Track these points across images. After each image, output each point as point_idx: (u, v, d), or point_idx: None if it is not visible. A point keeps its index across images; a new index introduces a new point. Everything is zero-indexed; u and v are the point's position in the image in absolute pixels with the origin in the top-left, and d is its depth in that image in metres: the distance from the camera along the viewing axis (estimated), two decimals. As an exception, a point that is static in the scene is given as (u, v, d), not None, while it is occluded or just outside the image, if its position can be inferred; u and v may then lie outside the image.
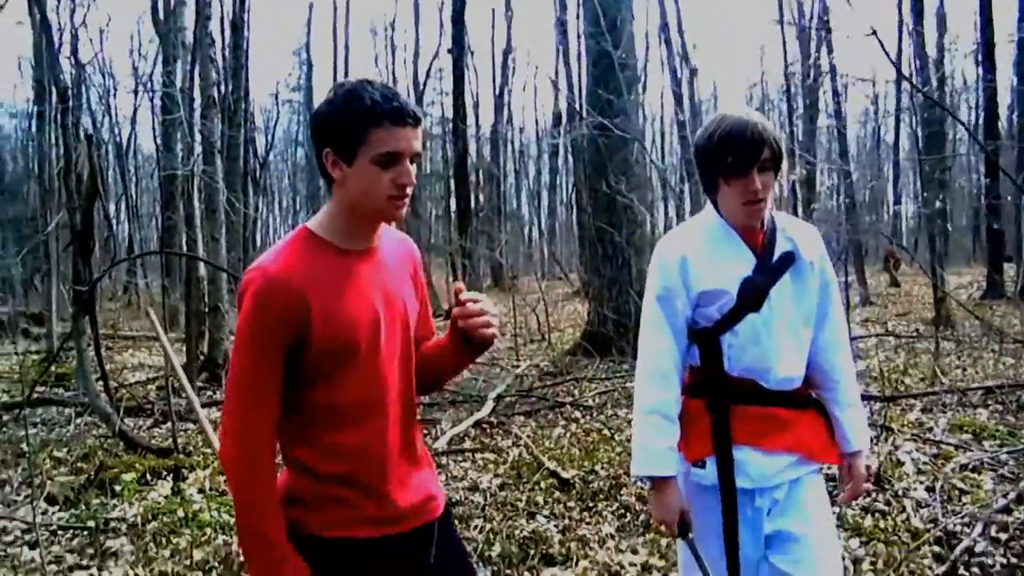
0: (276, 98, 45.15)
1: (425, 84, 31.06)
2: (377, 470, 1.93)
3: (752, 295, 2.29)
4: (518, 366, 10.70)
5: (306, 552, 1.86)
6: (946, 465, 5.59)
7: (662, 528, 3.04)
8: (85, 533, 4.80)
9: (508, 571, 4.16)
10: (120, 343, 16.14)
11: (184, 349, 11.03)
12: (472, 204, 23.17)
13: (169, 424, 7.08)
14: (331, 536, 1.89)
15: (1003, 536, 4.40)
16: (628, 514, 4.94)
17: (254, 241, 30.57)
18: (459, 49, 19.25)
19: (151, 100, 28.79)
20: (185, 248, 12.88)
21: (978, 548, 4.26)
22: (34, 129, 24.97)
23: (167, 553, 4.40)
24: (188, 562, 4.23)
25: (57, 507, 5.32)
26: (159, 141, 14.50)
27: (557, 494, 5.36)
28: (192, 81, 12.16)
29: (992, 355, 10.79)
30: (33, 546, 4.60)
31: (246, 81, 23.43)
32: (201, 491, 5.44)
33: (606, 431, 7.08)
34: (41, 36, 14.70)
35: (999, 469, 5.54)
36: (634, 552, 4.37)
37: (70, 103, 12.43)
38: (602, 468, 5.82)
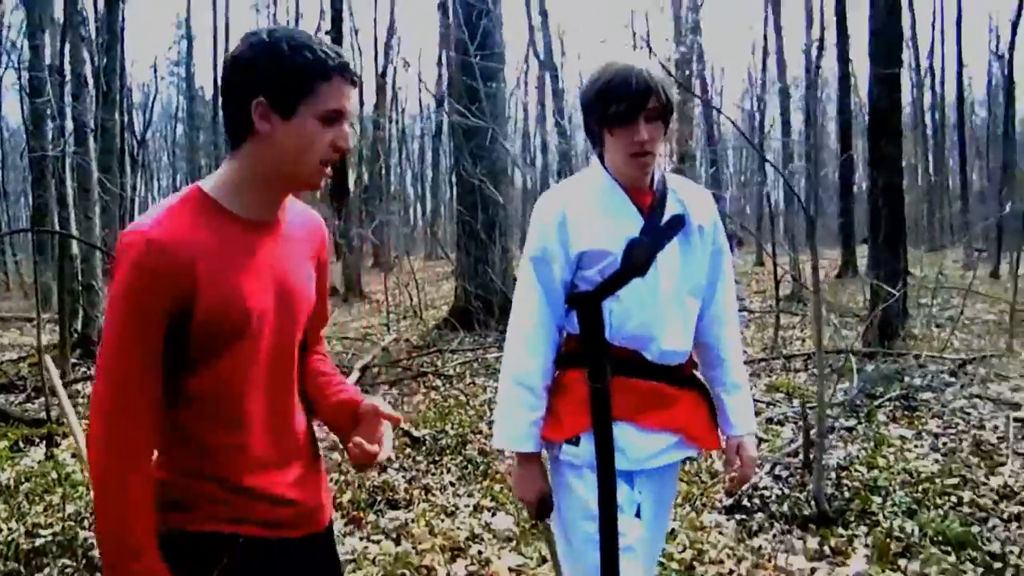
0: (155, 72, 44.02)
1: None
2: (261, 470, 1.73)
3: (638, 257, 2.14)
4: (389, 341, 11.21)
5: (180, 550, 1.65)
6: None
7: (521, 505, 2.68)
8: None
9: (356, 514, 4.69)
10: (-11, 323, 15.92)
11: (58, 327, 11.12)
12: (350, 183, 23.43)
13: (42, 399, 7.35)
14: (210, 530, 1.68)
15: (784, 474, 5.19)
16: (470, 466, 5.53)
17: (131, 219, 30.02)
18: (337, 32, 19.45)
19: (17, 74, 27.84)
20: (58, 227, 12.89)
21: (761, 484, 5.02)
22: None
23: (40, 508, 4.78)
24: (61, 515, 4.62)
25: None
26: (27, 122, 14.26)
27: (408, 451, 5.92)
28: (62, 59, 12.12)
29: (830, 328, 11.85)
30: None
31: (122, 56, 23.06)
32: (74, 455, 5.78)
33: (462, 397, 7.66)
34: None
35: (798, 422, 6.36)
36: (470, 496, 4.97)
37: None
38: (452, 428, 6.42)
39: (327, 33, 20.05)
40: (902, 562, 3.82)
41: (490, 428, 6.05)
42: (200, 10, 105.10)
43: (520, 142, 41.67)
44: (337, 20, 19.89)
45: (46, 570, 3.92)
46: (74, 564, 3.94)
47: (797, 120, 35.22)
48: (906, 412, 6.60)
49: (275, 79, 1.61)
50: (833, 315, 12.75)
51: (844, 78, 24.79)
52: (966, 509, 4.47)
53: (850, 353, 7.28)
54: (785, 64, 33.10)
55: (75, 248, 11.00)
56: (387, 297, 14.18)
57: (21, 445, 6.11)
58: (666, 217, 2.19)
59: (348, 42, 34.40)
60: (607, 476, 2.12)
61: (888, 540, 4.01)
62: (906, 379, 7.50)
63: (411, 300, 15.23)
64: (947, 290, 14.53)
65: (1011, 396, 6.99)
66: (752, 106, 40.21)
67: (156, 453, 1.69)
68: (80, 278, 11.12)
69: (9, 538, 4.22)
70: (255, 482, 1.72)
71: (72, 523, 4.48)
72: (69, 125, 10.83)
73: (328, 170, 1.73)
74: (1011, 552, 3.87)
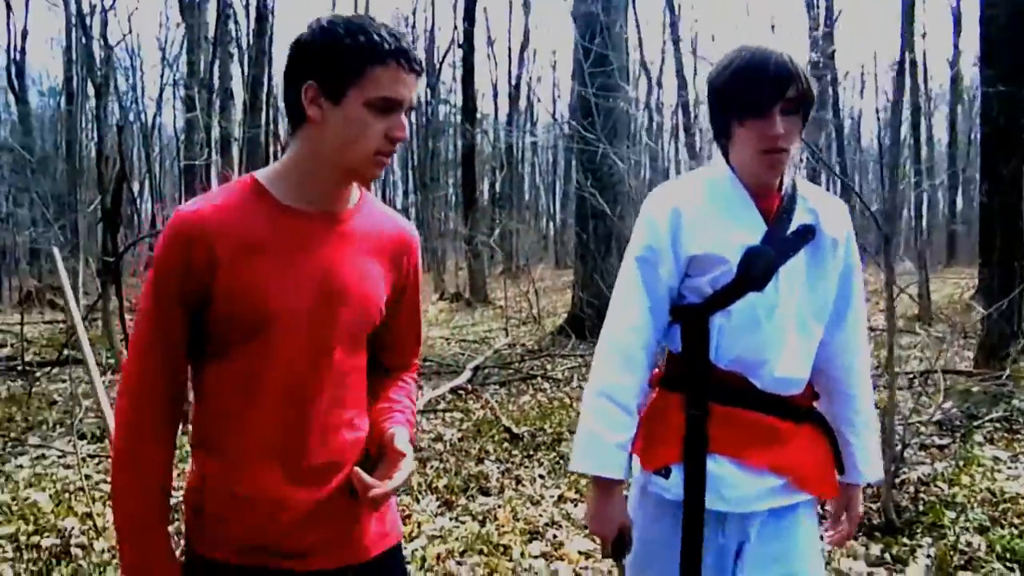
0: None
1: (439, 73, 32.01)
2: (254, 492, 1.58)
3: (757, 269, 1.87)
4: (503, 344, 11.66)
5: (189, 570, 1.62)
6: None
7: (595, 541, 2.12)
8: (109, 460, 5.81)
9: (450, 497, 5.10)
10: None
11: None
12: (478, 192, 24.12)
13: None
14: (216, 558, 1.61)
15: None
16: (561, 461, 5.87)
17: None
18: (469, 46, 20.11)
19: (174, 84, 29.84)
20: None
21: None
22: (63, 108, 26.07)
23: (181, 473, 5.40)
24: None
25: (85, 441, 6.35)
26: (179, 134, 15.50)
27: (506, 445, 6.32)
28: (211, 74, 13.11)
29: (949, 348, 11.62)
30: (67, 467, 5.62)
31: (270, 68, 24.41)
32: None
33: (567, 399, 8.00)
34: (74, 22, 15.71)
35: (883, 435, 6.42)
36: (556, 488, 5.32)
37: (102, 94, 13.44)
38: (550, 427, 6.76)
39: (459, 47, 20.80)
40: (962, 574, 3.95)
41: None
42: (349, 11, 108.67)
43: (647, 156, 41.67)
44: (469, 30, 20.55)
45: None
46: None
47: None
48: (1006, 434, 6.56)
49: (325, 61, 1.52)
50: (955, 335, 12.52)
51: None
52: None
53: (942, 372, 7.25)
54: (927, 77, 32.00)
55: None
56: (505, 303, 14.66)
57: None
58: (793, 226, 1.92)
59: (484, 52, 35.29)
60: (694, 516, 1.87)
61: (952, 552, 4.12)
62: (1014, 401, 7.41)
63: (531, 307, 15.73)
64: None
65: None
66: (880, 123, 39.01)
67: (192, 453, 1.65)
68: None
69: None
70: (237, 506, 1.59)
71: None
72: (217, 135, 11.73)
73: (385, 161, 1.60)
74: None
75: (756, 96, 1.84)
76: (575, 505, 4.94)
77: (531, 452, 6.12)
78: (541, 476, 5.58)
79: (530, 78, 38.07)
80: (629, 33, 11.97)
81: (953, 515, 4.65)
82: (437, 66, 31.64)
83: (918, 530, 4.47)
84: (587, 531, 4.44)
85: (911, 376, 8.73)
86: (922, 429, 6.51)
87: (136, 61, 38.28)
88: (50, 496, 4.97)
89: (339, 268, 1.62)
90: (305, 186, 1.61)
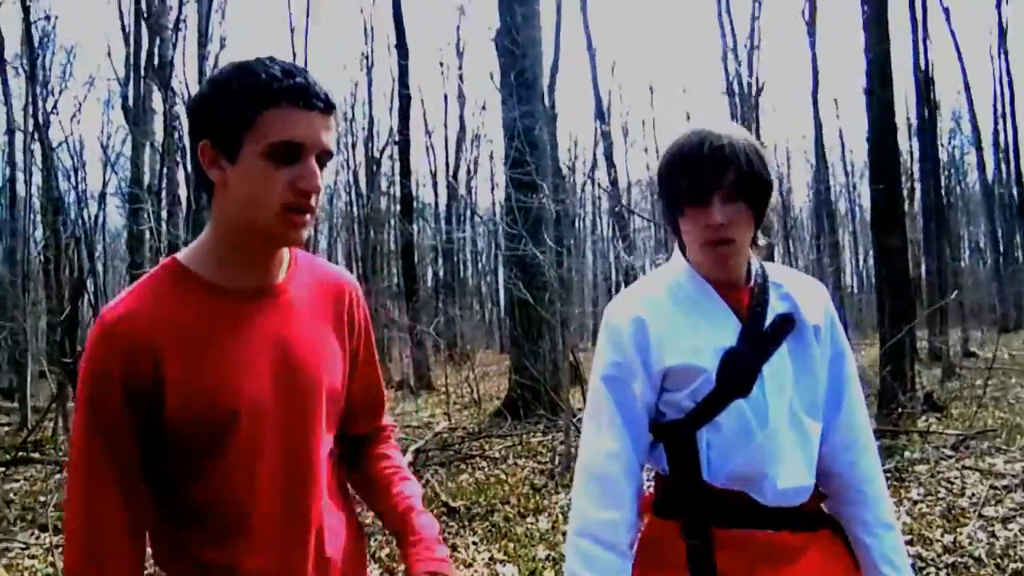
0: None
1: (379, 165, 32.93)
2: None
3: (737, 373, 1.70)
4: (444, 427, 12.23)
5: None
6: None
7: None
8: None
9: (391, 565, 5.65)
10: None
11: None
12: (419, 282, 24.83)
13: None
14: None
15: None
16: (493, 529, 6.45)
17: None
18: (404, 144, 21.03)
19: (119, 183, 30.34)
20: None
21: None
22: (4, 212, 26.42)
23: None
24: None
25: (48, 533, 6.77)
26: (125, 243, 15.98)
27: (444, 518, 6.87)
28: (160, 181, 13.68)
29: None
30: (32, 557, 6.05)
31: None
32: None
33: (502, 476, 8.58)
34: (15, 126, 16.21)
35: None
36: (488, 552, 5.89)
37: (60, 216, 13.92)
38: (485, 500, 7.34)
39: (395, 142, 21.61)
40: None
41: (519, 502, 7.03)
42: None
43: (577, 244, 43.02)
44: (404, 131, 21.44)
45: None
46: None
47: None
48: (895, 483, 7.29)
49: (214, 114, 1.36)
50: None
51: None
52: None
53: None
54: (845, 151, 33.70)
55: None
56: (447, 389, 15.28)
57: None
58: (769, 318, 1.75)
59: (424, 143, 36.43)
60: None
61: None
62: (906, 453, 8.18)
63: (472, 391, 16.33)
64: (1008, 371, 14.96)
65: (1002, 468, 7.62)
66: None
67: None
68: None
69: None
70: None
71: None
72: (164, 241, 12.31)
73: (301, 218, 1.39)
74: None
75: (690, 183, 1.68)
76: (504, 565, 5.51)
77: (466, 523, 6.69)
78: (475, 543, 6.15)
79: (468, 166, 39.20)
80: (558, 128, 12.89)
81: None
82: (377, 157, 32.57)
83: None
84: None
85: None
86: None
87: (78, 162, 38.55)
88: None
89: (294, 346, 1.47)
90: (230, 261, 1.44)
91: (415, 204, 26.01)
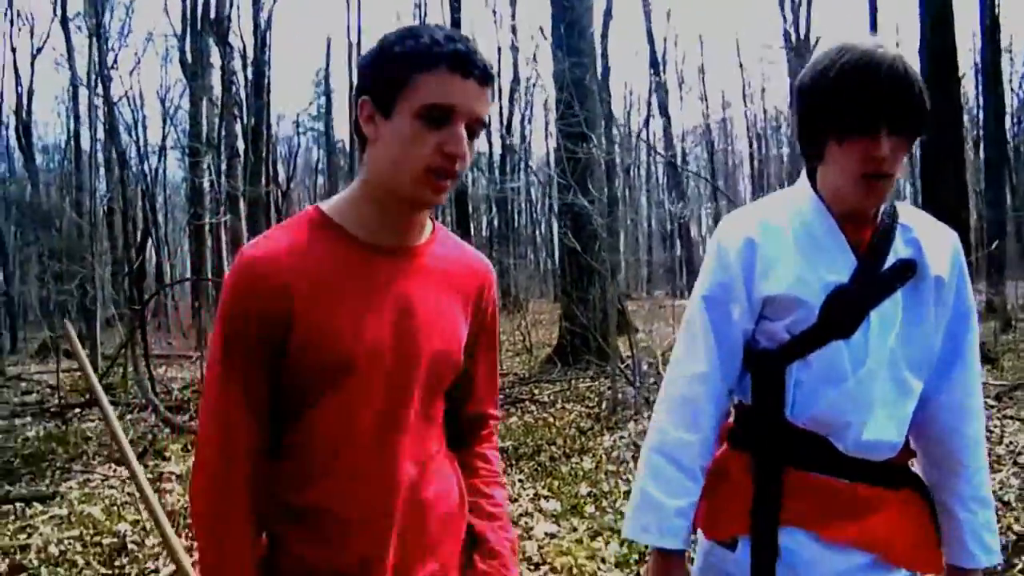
0: (297, 126, 46.96)
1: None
2: (368, 554, 1.48)
3: (842, 313, 1.61)
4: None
5: None
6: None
7: None
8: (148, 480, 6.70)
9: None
10: (154, 360, 18.10)
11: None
12: (472, 231, 25.09)
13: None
14: None
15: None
16: (539, 468, 6.75)
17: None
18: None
19: (178, 136, 30.99)
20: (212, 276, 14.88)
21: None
22: (68, 165, 27.20)
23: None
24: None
25: (122, 468, 7.24)
26: (183, 187, 16.57)
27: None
28: (219, 135, 14.05)
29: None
30: (111, 487, 6.52)
31: (268, 120, 25.49)
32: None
33: (550, 419, 8.88)
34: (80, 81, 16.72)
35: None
36: (533, 489, 6.20)
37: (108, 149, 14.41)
38: (532, 441, 7.64)
39: None
40: None
41: (565, 443, 7.32)
42: (338, 67, 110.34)
43: (627, 191, 42.79)
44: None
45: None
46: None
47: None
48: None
49: (376, 73, 1.41)
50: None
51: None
52: None
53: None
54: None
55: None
56: (498, 336, 15.65)
57: (189, 447, 7.69)
58: (889, 261, 1.64)
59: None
60: None
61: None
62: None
63: (524, 338, 16.64)
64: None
65: None
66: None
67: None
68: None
69: (184, 506, 5.72)
70: (334, 558, 1.47)
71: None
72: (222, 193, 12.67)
73: (442, 183, 1.41)
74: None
75: (863, 110, 1.53)
76: (547, 500, 5.81)
77: (513, 462, 7.00)
78: (520, 480, 6.46)
79: (523, 115, 39.19)
80: (612, 76, 12.94)
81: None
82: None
83: None
84: (554, 520, 5.33)
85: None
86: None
87: (138, 115, 39.33)
88: (101, 509, 5.83)
89: (417, 307, 1.49)
90: (372, 216, 1.48)
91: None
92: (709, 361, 1.69)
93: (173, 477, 6.75)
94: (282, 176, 42.23)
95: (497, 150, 36.45)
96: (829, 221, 1.66)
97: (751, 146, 43.14)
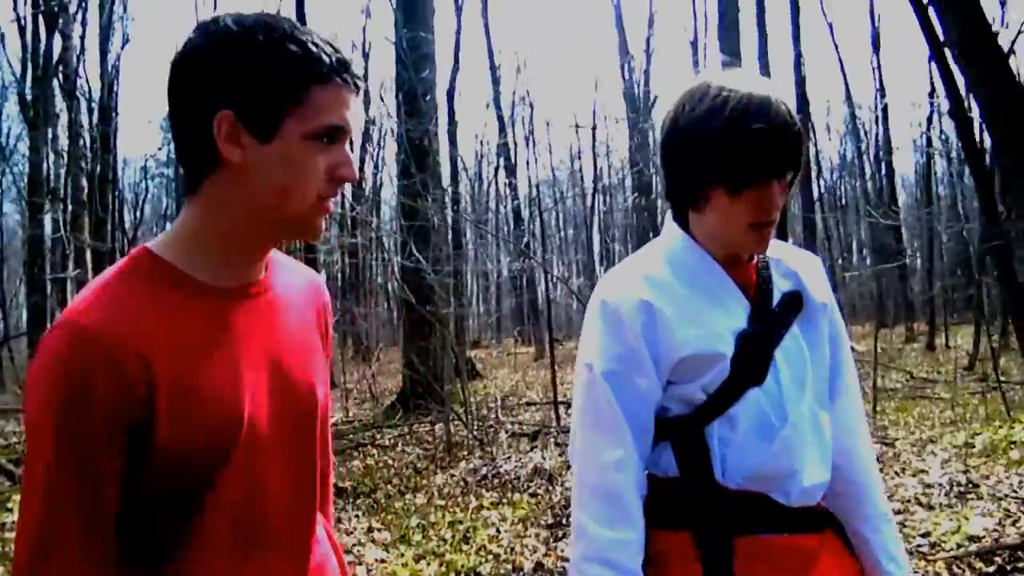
0: (145, 172, 45.98)
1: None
2: None
3: (751, 359, 1.52)
4: (339, 419, 13.08)
5: None
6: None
7: None
8: None
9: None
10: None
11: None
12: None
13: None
14: None
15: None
16: (375, 504, 7.33)
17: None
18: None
19: (14, 178, 30.05)
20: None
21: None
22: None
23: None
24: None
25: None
26: (23, 242, 16.16)
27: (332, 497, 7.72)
28: (65, 188, 13.99)
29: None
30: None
31: (114, 166, 25.08)
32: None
33: (390, 461, 9.45)
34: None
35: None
36: (366, 522, 6.76)
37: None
38: (370, 481, 8.21)
39: None
40: None
41: (401, 482, 7.92)
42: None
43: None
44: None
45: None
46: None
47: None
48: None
49: (248, 83, 1.14)
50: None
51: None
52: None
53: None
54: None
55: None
56: (343, 383, 16.11)
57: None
58: (776, 297, 1.60)
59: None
60: None
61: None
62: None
63: (370, 387, 17.22)
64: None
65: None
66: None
67: None
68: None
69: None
70: None
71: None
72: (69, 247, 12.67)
73: (329, 208, 1.24)
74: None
75: (758, 160, 1.45)
76: (379, 531, 6.39)
77: (351, 500, 7.55)
78: (357, 515, 7.02)
79: (376, 163, 39.76)
80: (460, 129, 13.73)
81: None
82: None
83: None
84: (384, 546, 5.92)
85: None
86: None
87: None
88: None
89: (286, 351, 1.29)
90: (219, 254, 1.23)
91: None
92: (623, 444, 1.51)
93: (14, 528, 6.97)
94: (128, 223, 41.23)
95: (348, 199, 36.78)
96: (713, 266, 1.58)
97: (593, 199, 45.11)
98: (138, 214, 44.11)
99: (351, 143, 1.25)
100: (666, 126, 1.57)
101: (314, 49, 1.17)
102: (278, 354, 1.29)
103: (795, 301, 1.62)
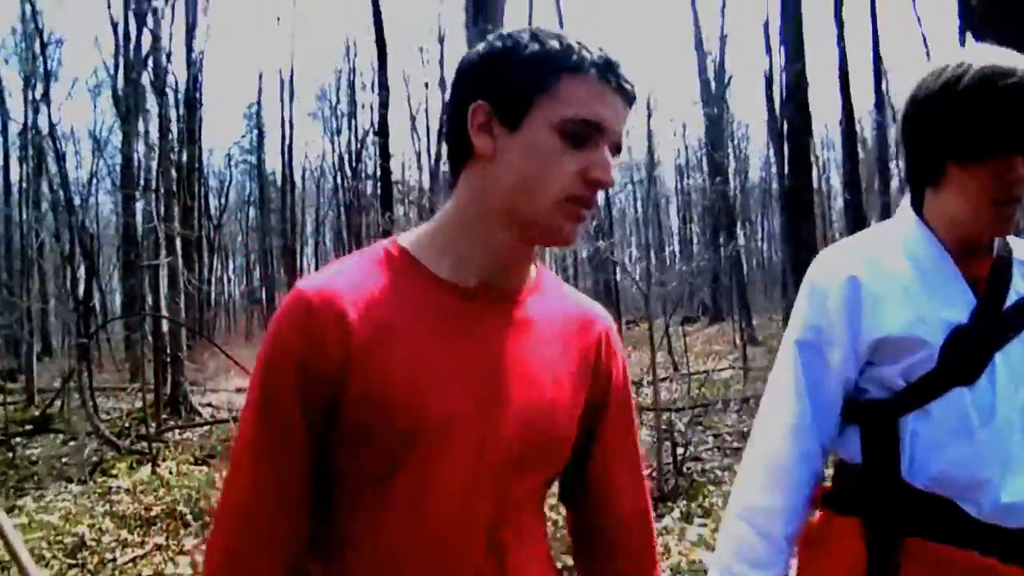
0: (229, 159, 47.24)
1: (359, 153, 34.06)
2: None
3: (964, 356, 1.42)
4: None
5: None
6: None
7: None
8: (96, 495, 7.56)
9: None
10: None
11: (142, 394, 13.68)
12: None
13: (143, 443, 9.89)
14: None
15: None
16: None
17: (208, 299, 33.43)
18: (384, 132, 22.08)
19: (108, 169, 31.45)
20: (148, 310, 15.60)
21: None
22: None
23: (151, 498, 7.17)
24: (164, 504, 6.99)
25: (73, 482, 8.10)
26: (117, 229, 17.01)
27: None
28: (156, 180, 14.67)
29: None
30: (64, 501, 7.40)
31: (200, 155, 26.08)
32: (170, 471, 8.19)
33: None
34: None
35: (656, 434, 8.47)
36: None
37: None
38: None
39: (375, 135, 22.11)
40: (699, 520, 5.95)
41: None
42: (270, 101, 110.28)
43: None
44: (383, 118, 22.51)
45: (156, 525, 6.29)
46: (173, 522, 6.30)
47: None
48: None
49: (502, 73, 1.13)
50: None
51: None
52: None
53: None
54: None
55: (165, 326, 13.57)
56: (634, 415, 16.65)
57: (134, 465, 8.55)
58: (1011, 299, 1.48)
59: (408, 127, 37.12)
60: None
61: (697, 507, 6.16)
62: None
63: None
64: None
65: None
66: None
67: None
68: (168, 350, 13.62)
69: (133, 511, 6.62)
70: None
71: (171, 502, 6.85)
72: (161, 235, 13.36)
73: (583, 213, 1.14)
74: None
75: (997, 128, 1.38)
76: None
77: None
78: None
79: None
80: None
81: (712, 488, 6.68)
82: (359, 145, 33.73)
83: (683, 497, 6.48)
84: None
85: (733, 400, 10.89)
86: (727, 437, 8.67)
87: (69, 148, 39.36)
88: (59, 517, 6.69)
89: (512, 367, 1.19)
90: (469, 252, 1.18)
91: (400, 188, 27.19)
92: (800, 413, 1.50)
93: (121, 490, 7.61)
94: (213, 209, 42.53)
95: (427, 182, 37.40)
96: (942, 254, 1.49)
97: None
98: (222, 200, 45.45)
99: (614, 149, 1.17)
100: (906, 106, 1.52)
101: (571, 43, 1.13)
102: (503, 369, 1.18)
103: None
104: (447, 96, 1.25)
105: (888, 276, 1.48)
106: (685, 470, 7.18)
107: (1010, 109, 1.37)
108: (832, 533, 1.52)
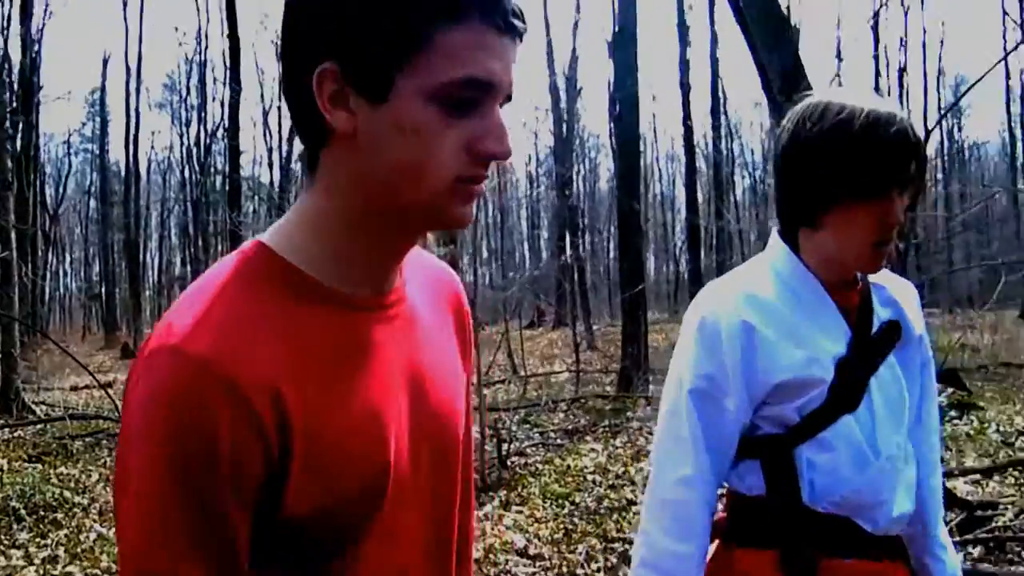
0: (69, 147, 45.30)
1: (209, 148, 33.36)
2: None
3: (847, 385, 1.52)
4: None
5: None
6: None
7: None
8: None
9: None
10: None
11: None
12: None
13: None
14: None
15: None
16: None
17: (42, 295, 31.98)
18: (234, 130, 21.96)
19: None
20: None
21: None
22: None
23: None
24: None
25: None
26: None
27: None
28: None
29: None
30: None
31: (36, 141, 25.02)
32: (1, 469, 8.13)
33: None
34: None
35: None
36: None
37: None
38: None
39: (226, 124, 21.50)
40: (517, 507, 6.47)
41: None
42: (114, 86, 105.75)
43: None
44: (233, 115, 22.33)
45: None
46: (6, 517, 6.35)
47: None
48: (609, 435, 9.35)
49: (352, 27, 0.85)
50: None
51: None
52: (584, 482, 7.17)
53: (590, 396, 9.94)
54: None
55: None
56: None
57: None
58: (876, 325, 1.58)
59: (261, 122, 36.41)
60: None
61: (514, 496, 6.71)
62: (627, 413, 10.34)
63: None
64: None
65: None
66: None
67: None
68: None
69: None
70: None
71: (3, 499, 6.87)
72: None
73: (475, 191, 0.92)
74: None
75: (872, 173, 1.45)
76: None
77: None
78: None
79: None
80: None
81: (532, 479, 7.24)
82: (207, 142, 33.01)
83: (504, 488, 7.01)
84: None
85: (564, 400, 11.60)
86: (552, 434, 9.31)
87: None
88: None
89: (425, 381, 1.03)
90: (348, 251, 0.95)
91: (250, 185, 26.90)
92: (699, 465, 1.52)
93: None
94: (50, 199, 40.70)
95: (278, 178, 36.94)
96: (818, 288, 1.56)
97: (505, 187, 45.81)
98: (60, 190, 43.55)
99: (504, 103, 0.91)
100: (784, 142, 1.54)
101: None
102: (419, 381, 1.01)
103: (895, 330, 1.59)
104: (279, 50, 0.96)
105: (778, 319, 1.52)
106: (509, 463, 7.73)
107: (895, 152, 1.45)
108: (748, 569, 1.56)
